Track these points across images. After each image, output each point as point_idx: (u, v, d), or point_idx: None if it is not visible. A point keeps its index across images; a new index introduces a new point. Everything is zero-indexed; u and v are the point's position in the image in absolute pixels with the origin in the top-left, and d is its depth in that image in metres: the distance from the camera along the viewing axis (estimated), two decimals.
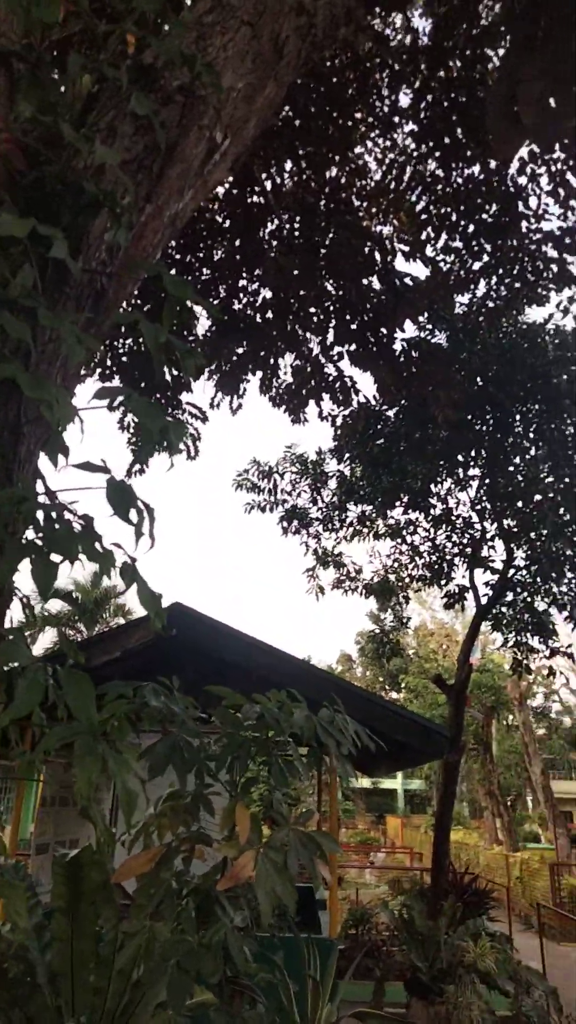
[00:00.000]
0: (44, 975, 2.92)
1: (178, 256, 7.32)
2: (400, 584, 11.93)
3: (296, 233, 7.33)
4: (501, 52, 6.76)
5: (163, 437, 1.45)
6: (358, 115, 7.09)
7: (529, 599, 10.69)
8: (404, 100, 6.98)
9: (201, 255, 7.53)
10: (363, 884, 15.71)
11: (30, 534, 1.29)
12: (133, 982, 3.11)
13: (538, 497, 9.20)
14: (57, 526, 1.31)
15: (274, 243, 7.37)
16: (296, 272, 7.21)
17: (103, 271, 1.63)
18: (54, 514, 1.32)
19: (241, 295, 7.82)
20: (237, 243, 7.24)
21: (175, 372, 7.23)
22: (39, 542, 1.26)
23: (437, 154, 7.01)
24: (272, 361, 8.14)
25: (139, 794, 1.39)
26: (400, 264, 7.39)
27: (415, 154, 7.22)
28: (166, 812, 3.29)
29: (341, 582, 11.99)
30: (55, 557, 1.29)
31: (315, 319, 7.72)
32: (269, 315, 7.77)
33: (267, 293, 7.66)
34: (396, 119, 7.12)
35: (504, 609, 10.95)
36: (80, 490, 1.46)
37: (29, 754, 1.56)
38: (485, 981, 6.37)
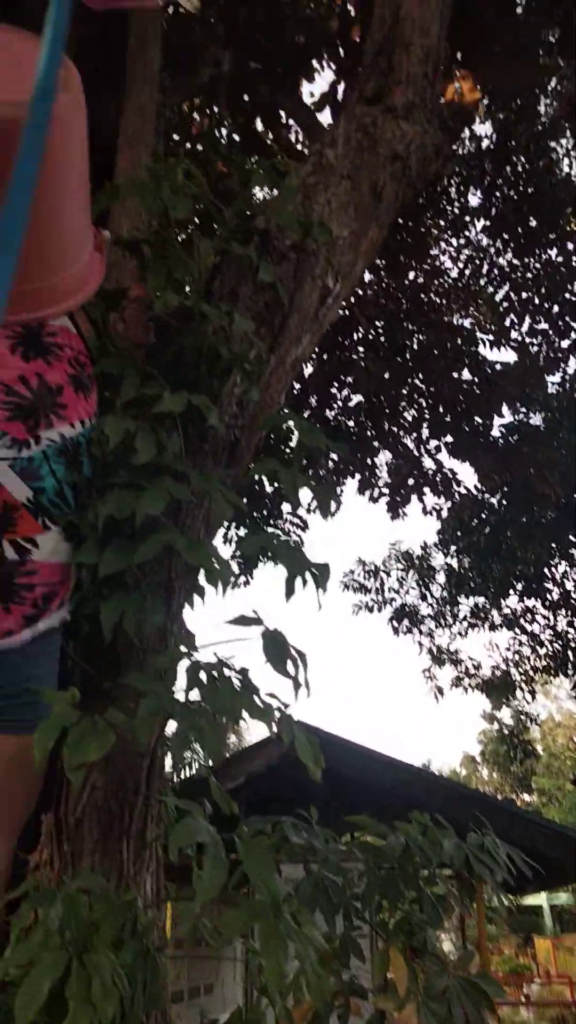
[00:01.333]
0: None
1: None
2: (524, 678, 11.30)
3: (382, 338, 7.55)
4: (566, 142, 6.97)
5: (308, 577, 1.45)
6: (430, 220, 7.37)
7: None
8: (473, 199, 7.23)
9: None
10: (521, 1023, 14.08)
11: (194, 695, 1.29)
12: None
13: None
14: (219, 684, 1.31)
15: (361, 350, 7.60)
16: (386, 375, 7.38)
17: (236, 424, 1.70)
18: (215, 672, 1.32)
19: (333, 403, 8.02)
20: (325, 356, 7.51)
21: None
22: (204, 703, 1.26)
23: (512, 246, 7.17)
24: (369, 462, 8.23)
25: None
26: (487, 352, 7.42)
27: (490, 248, 7.41)
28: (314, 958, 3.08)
29: (460, 680, 11.48)
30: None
31: (408, 417, 7.81)
32: (362, 419, 7.93)
33: (358, 398, 7.84)
34: (467, 218, 7.36)
35: None
36: (230, 642, 1.46)
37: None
38: None
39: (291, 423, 1.54)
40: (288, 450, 1.78)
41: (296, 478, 1.49)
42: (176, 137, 5.22)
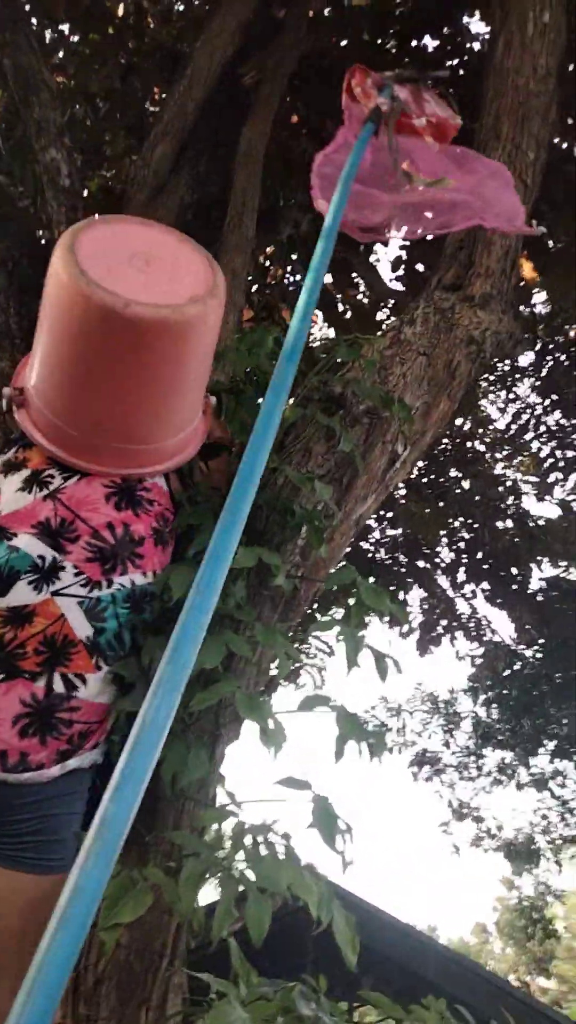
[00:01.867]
0: None
1: None
2: (550, 846, 10.54)
3: (425, 479, 7.70)
4: None
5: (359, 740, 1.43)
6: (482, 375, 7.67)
7: None
8: (524, 360, 7.56)
9: None
10: None
11: (238, 861, 1.25)
12: None
13: None
14: (263, 851, 1.27)
15: (403, 488, 7.75)
16: (427, 512, 7.47)
17: (296, 575, 1.74)
18: (260, 837, 1.29)
19: (369, 535, 8.10)
20: None
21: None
22: (249, 872, 1.22)
23: (560, 406, 7.41)
24: (401, 596, 8.18)
25: None
26: (530, 505, 7.52)
27: (537, 406, 7.66)
28: None
29: (480, 839, 10.74)
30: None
31: (446, 558, 7.82)
32: (398, 553, 7.96)
33: (396, 532, 7.91)
34: (518, 376, 7.68)
35: None
36: (274, 802, 1.43)
37: None
38: None
39: (357, 584, 1.57)
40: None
41: (359, 643, 1.50)
42: (250, 278, 5.67)
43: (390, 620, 8.23)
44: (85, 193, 4.48)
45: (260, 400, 2.02)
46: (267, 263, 5.91)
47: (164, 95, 3.78)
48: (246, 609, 1.47)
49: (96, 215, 1.42)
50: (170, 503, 1.54)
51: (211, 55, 3.00)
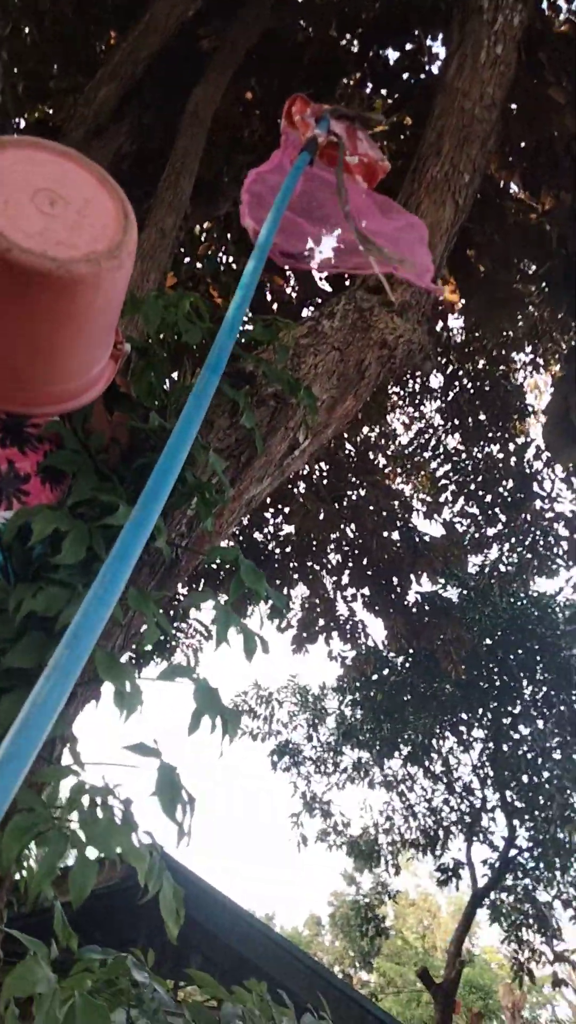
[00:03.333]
0: None
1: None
2: (391, 848, 10.96)
3: (325, 481, 7.84)
4: (523, 356, 7.73)
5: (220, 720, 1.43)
6: (392, 387, 7.90)
7: (531, 887, 9.69)
8: (434, 381, 7.85)
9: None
10: None
11: (71, 821, 1.22)
12: None
13: (546, 774, 8.74)
14: (100, 813, 1.24)
15: (302, 486, 7.86)
16: (321, 516, 7.60)
17: (180, 545, 1.72)
18: (99, 798, 1.26)
19: (264, 527, 8.16)
20: None
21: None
22: (80, 832, 1.19)
23: (461, 431, 7.73)
24: (284, 591, 8.28)
25: None
26: (419, 521, 7.79)
27: (440, 428, 7.97)
28: None
29: (327, 834, 11.04)
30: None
31: (333, 560, 7.98)
32: (288, 549, 8.06)
33: (290, 529, 8.00)
34: (425, 396, 7.96)
35: (503, 895, 9.89)
36: (112, 765, 1.40)
37: None
38: None
39: (239, 562, 1.57)
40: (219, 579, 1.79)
41: (231, 620, 1.50)
42: (182, 249, 5.56)
43: (270, 612, 8.33)
44: (22, 124, 4.25)
45: (170, 366, 1.99)
46: (202, 236, 5.82)
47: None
48: None
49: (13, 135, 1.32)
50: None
51: (171, 9, 2.92)
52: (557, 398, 3.96)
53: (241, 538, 8.06)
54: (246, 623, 1.58)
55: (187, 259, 5.63)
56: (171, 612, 7.61)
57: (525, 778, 8.92)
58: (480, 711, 9.48)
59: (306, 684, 11.07)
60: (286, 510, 7.93)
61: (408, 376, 7.84)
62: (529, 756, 8.90)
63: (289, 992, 3.60)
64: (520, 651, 8.67)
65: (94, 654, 1.31)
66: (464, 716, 9.59)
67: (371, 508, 7.44)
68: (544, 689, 8.88)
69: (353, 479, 7.77)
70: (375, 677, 9.40)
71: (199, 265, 5.72)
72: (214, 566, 7.19)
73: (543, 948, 9.34)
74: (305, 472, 7.83)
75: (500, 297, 3.96)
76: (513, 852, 9.64)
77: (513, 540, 7.45)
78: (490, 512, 7.67)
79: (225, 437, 1.84)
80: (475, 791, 10.15)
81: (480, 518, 7.77)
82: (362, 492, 7.65)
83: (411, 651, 8.94)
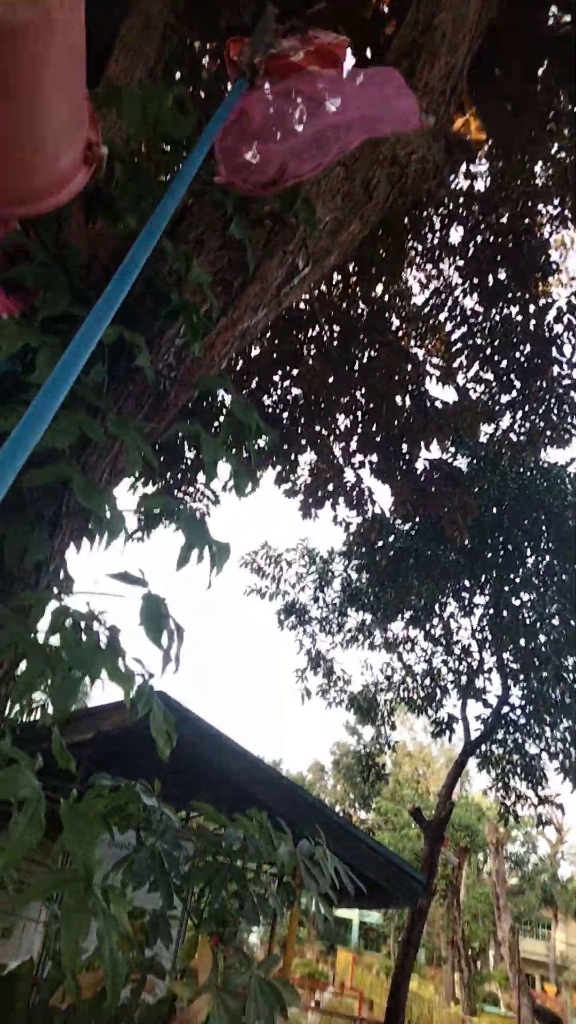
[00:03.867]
0: None
1: None
2: (389, 705, 11.58)
3: (335, 343, 7.56)
4: (550, 208, 7.20)
5: (206, 551, 1.38)
6: (410, 242, 7.44)
7: (521, 741, 10.30)
8: (455, 236, 7.36)
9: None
10: None
11: (54, 640, 1.20)
12: None
13: (543, 638, 9.02)
14: (83, 637, 1.22)
15: (312, 348, 7.59)
16: (330, 379, 7.39)
17: (168, 375, 1.61)
18: (83, 623, 1.24)
19: (272, 391, 7.98)
20: (276, 342, 7.44)
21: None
22: (63, 653, 1.17)
23: (479, 291, 7.33)
24: (293, 457, 8.22)
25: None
26: (431, 387, 7.57)
27: (458, 288, 7.55)
28: (123, 932, 3.01)
29: (327, 691, 11.64)
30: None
31: (342, 425, 7.85)
32: (297, 414, 7.92)
33: (298, 392, 7.82)
34: (444, 253, 7.49)
35: (494, 747, 10.54)
36: (106, 595, 1.37)
37: None
38: None
39: (226, 393, 1.46)
40: (217, 422, 1.70)
41: (219, 450, 1.42)
42: (179, 76, 5.04)
43: (278, 477, 8.31)
44: None
45: (158, 178, 1.79)
46: (205, 58, 5.26)
47: None
48: (104, 397, 1.34)
49: None
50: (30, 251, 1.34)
51: None
52: None
53: (248, 401, 7.87)
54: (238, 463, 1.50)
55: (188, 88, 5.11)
56: (158, 447, 7.57)
57: (523, 641, 9.23)
58: (483, 578, 9.66)
59: (315, 547, 11.28)
60: (294, 372, 7.71)
61: (427, 230, 7.36)
62: (528, 622, 9.16)
63: (291, 825, 3.85)
64: (526, 521, 8.69)
65: (74, 481, 1.24)
66: (467, 583, 9.80)
67: (383, 371, 7.20)
68: (547, 559, 8.98)
69: (365, 340, 7.48)
70: (380, 544, 9.52)
71: (202, 94, 5.21)
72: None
73: (528, 793, 10.08)
74: (315, 333, 7.54)
75: (526, 120, 3.57)
76: (505, 709, 10.16)
77: (527, 408, 7.24)
78: (505, 378, 7.42)
79: (216, 259, 1.68)
80: (473, 654, 10.56)
81: (494, 384, 7.52)
82: (373, 354, 7.38)
83: (417, 518, 8.98)
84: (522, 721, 10.04)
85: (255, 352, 7.79)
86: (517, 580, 9.30)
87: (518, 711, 10.11)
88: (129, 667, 1.24)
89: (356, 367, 7.46)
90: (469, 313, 7.49)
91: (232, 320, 1.71)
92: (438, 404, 7.29)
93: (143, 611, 1.24)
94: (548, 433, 7.19)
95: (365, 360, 7.46)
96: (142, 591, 1.28)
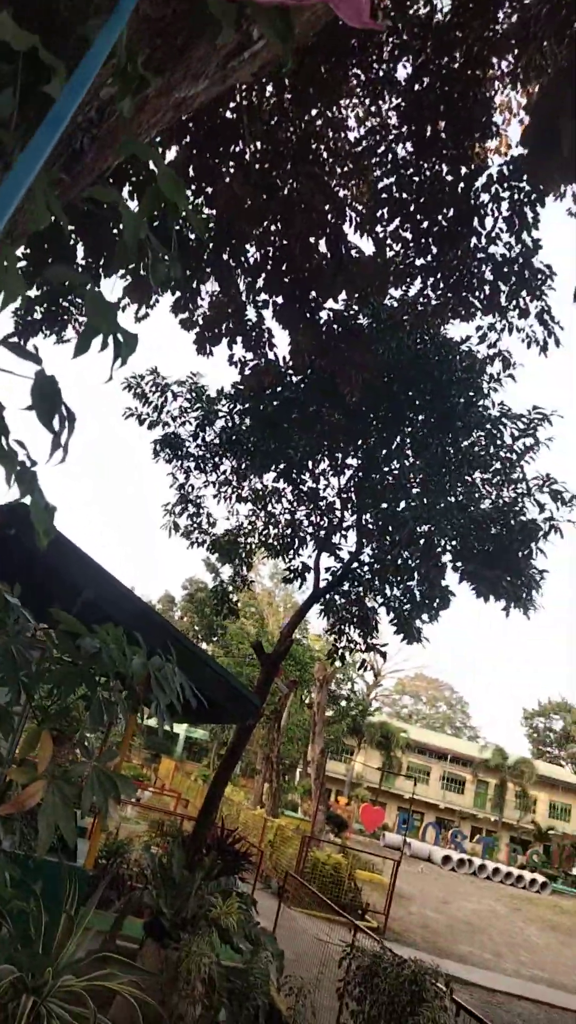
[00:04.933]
0: None
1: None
2: (248, 548, 11.99)
3: (258, 165, 6.99)
4: (504, 64, 6.79)
5: (111, 340, 1.25)
6: (354, 68, 6.86)
7: (363, 594, 11.13)
8: (401, 72, 6.84)
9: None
10: (124, 818, 15.90)
11: None
12: None
13: (403, 504, 9.52)
14: None
15: (233, 166, 6.98)
16: (247, 204, 6.88)
17: (87, 131, 1.38)
18: None
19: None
20: (195, 151, 6.77)
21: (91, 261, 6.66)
22: None
23: (414, 140, 6.94)
24: (195, 284, 7.76)
25: None
26: (350, 234, 7.26)
27: (394, 132, 7.11)
28: None
29: (191, 531, 11.81)
30: None
31: (251, 258, 7.44)
32: (207, 237, 7.39)
33: (210, 212, 7.26)
34: (387, 89, 6.96)
35: (337, 597, 11.33)
36: None
37: None
38: (223, 936, 6.66)
39: (154, 165, 1.28)
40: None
41: (140, 224, 1.25)
42: None
43: (175, 305, 7.85)
44: None
45: None
46: None
47: None
48: (12, 133, 1.12)
49: None
50: None
51: None
52: (543, 108, 3.48)
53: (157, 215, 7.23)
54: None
55: None
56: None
57: (385, 505, 9.72)
58: (359, 441, 9.90)
59: (204, 384, 10.93)
60: (209, 190, 7.10)
61: (375, 59, 6.75)
62: (392, 488, 9.60)
63: (147, 645, 3.95)
64: (412, 392, 8.85)
65: None
66: (343, 444, 10.00)
67: (302, 206, 6.77)
68: (424, 431, 9.30)
69: (290, 168, 6.95)
70: (269, 392, 9.41)
71: None
72: None
73: (358, 640, 11.10)
74: (238, 149, 6.91)
75: None
76: (355, 565, 10.85)
77: (439, 276, 7.15)
78: (423, 241, 7.22)
79: (159, 6, 1.41)
80: (336, 511, 11.01)
81: (412, 245, 7.32)
82: (296, 186, 6.90)
83: (310, 372, 8.91)
84: (368, 577, 10.81)
85: (170, 157, 7.06)
86: (392, 447, 9.61)
87: (366, 568, 10.85)
88: (11, 446, 1.15)
89: (276, 197, 6.98)
90: (401, 161, 7.12)
91: (169, 84, 1.48)
92: (353, 252, 7.02)
93: (35, 390, 1.13)
94: (454, 305, 7.19)
95: (286, 191, 6.98)
96: (35, 368, 1.15)
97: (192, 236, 7.42)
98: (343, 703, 40.05)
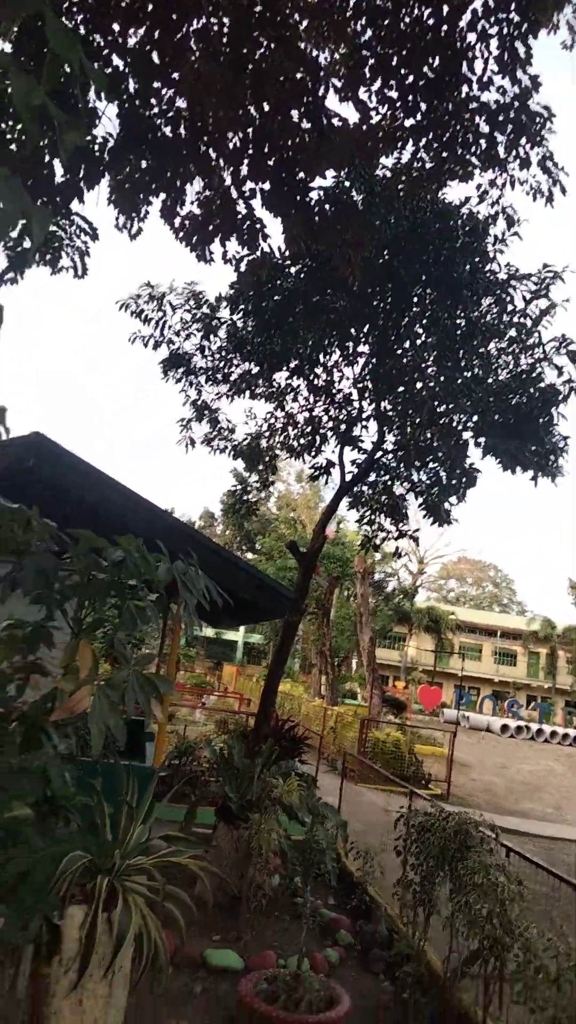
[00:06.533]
0: None
1: (83, 32, 6.30)
2: (269, 451, 11.95)
3: (224, 40, 6.50)
4: None
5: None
6: None
7: (390, 482, 11.11)
8: None
9: (111, 38, 6.52)
10: (192, 722, 16.81)
11: None
12: None
13: (419, 385, 9.30)
14: None
15: (197, 46, 6.50)
16: (218, 86, 6.44)
17: None
18: None
19: (152, 100, 6.94)
20: (156, 33, 6.31)
21: (59, 168, 6.39)
22: None
23: None
24: (179, 184, 7.42)
25: None
26: (331, 103, 6.79)
27: None
28: (3, 639, 3.21)
29: (212, 439, 11.78)
30: None
31: (231, 145, 7.03)
32: (181, 130, 6.99)
33: (182, 104, 6.83)
34: None
35: (365, 488, 11.34)
36: None
37: None
38: (287, 812, 7.12)
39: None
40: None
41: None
42: None
43: (164, 209, 7.54)
44: None
45: None
46: None
47: None
48: None
49: None
50: None
51: None
52: None
53: (126, 116, 6.89)
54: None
55: None
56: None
57: (401, 388, 9.52)
58: (367, 327, 9.59)
59: (202, 291, 10.61)
60: (176, 76, 6.65)
61: None
62: (407, 370, 9.35)
63: (171, 555, 4.02)
64: (416, 265, 8.46)
65: None
66: (352, 331, 9.71)
67: (276, 76, 6.31)
68: (433, 306, 8.95)
69: (258, 36, 6.44)
70: (268, 287, 9.11)
71: None
72: None
73: (391, 528, 11.19)
74: (200, 24, 6.40)
75: None
76: (379, 455, 10.77)
77: (431, 134, 6.69)
78: (411, 98, 6.71)
79: None
80: (353, 402, 10.84)
81: (398, 104, 6.81)
82: (267, 55, 6.41)
83: (307, 261, 8.57)
84: (393, 464, 10.75)
85: (132, 42, 6.62)
86: (401, 328, 9.30)
87: (390, 456, 10.78)
88: None
89: (246, 71, 6.50)
90: (378, 9, 6.53)
91: None
92: (335, 122, 6.58)
93: None
94: (450, 165, 6.76)
95: (256, 64, 6.49)
96: None
97: (168, 131, 7.05)
98: (387, 592, 40.90)
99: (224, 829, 7.24)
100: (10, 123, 6.32)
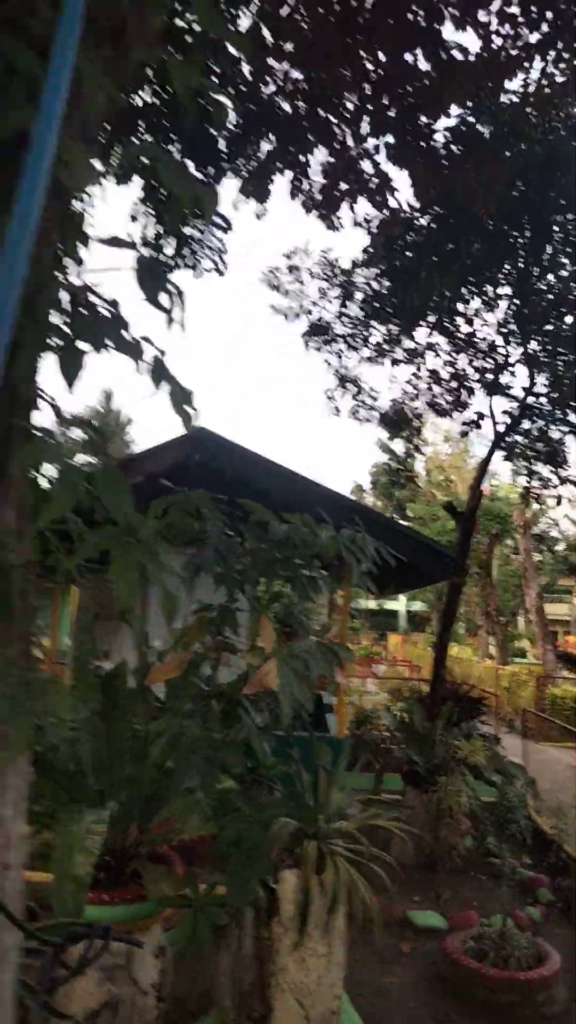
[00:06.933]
0: (88, 764, 3.17)
1: None
2: (416, 414, 11.69)
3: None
4: None
5: (194, 205, 1.22)
6: None
7: (545, 427, 10.54)
8: None
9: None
10: (365, 692, 16.99)
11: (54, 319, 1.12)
12: (164, 771, 3.38)
13: (569, 319, 8.67)
14: (83, 311, 1.14)
15: (307, 11, 6.38)
16: (332, 49, 6.30)
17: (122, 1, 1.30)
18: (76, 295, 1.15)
19: (268, 76, 6.94)
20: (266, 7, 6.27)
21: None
22: (64, 327, 1.10)
23: None
24: (302, 158, 7.40)
25: (180, 598, 1.34)
26: (449, 35, 6.41)
27: None
28: (195, 623, 3.41)
29: (357, 410, 11.72)
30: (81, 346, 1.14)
31: (349, 106, 6.88)
32: (299, 103, 6.94)
33: (297, 75, 6.77)
34: None
35: (519, 438, 10.83)
36: (101, 271, 1.26)
37: (68, 559, 1.51)
38: (474, 773, 7.05)
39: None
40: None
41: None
42: None
43: (292, 188, 7.59)
44: None
45: None
46: None
47: None
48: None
49: None
50: None
51: None
52: None
53: (246, 100, 7.01)
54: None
55: None
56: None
57: (549, 326, 8.92)
58: (506, 267, 9.06)
59: (336, 258, 10.57)
60: (289, 48, 6.58)
61: None
62: (553, 304, 8.75)
63: (335, 528, 4.05)
64: (552, 192, 7.85)
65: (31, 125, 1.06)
66: (489, 274, 9.22)
67: (390, 21, 6.06)
68: (575, 234, 8.27)
69: None
70: (400, 244, 8.85)
71: None
72: None
73: (550, 476, 10.61)
74: None
75: None
76: (531, 400, 10.21)
77: (560, 44, 6.14)
78: (534, 8, 6.18)
79: None
80: (498, 349, 10.31)
81: (521, 20, 6.30)
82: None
83: (436, 208, 8.23)
84: (547, 408, 10.15)
85: (245, 24, 6.62)
86: (544, 260, 8.69)
87: (543, 399, 10.18)
88: (136, 338, 1.18)
89: (359, 26, 6.29)
90: None
91: None
92: (456, 54, 6.22)
93: (138, 273, 1.14)
94: None
95: (369, 11, 6.26)
96: (133, 255, 1.16)
97: (287, 108, 7.06)
98: (550, 543, 38.94)
99: (413, 793, 7.29)
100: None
